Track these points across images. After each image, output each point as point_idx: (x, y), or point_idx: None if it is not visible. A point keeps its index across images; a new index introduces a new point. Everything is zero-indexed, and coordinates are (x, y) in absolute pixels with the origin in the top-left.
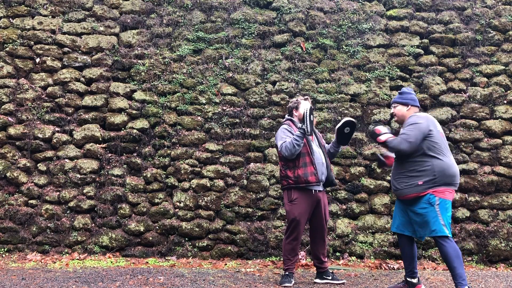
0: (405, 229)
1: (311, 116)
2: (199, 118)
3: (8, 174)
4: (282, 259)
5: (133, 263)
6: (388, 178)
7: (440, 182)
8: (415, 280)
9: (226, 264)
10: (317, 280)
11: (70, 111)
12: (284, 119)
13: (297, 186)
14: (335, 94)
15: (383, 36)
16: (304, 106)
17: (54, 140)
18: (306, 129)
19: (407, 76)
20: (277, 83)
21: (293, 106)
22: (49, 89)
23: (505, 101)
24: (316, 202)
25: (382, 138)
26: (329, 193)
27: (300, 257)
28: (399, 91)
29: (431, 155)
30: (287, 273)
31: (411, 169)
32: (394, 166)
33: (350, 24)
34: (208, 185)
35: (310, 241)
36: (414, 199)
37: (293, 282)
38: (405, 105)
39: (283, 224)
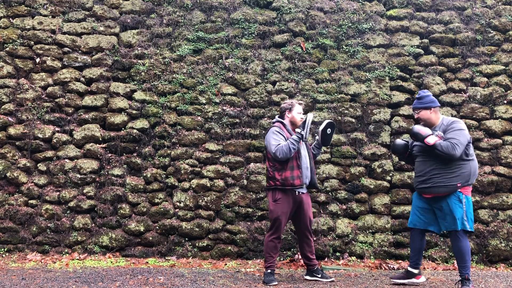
0: (420, 224)
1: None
2: (199, 118)
3: (8, 174)
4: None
5: (133, 263)
6: (388, 178)
7: (470, 182)
8: (416, 271)
9: (226, 264)
10: (307, 277)
11: (70, 111)
12: (274, 120)
13: (283, 188)
14: (335, 94)
15: (383, 36)
16: (301, 111)
17: (54, 140)
18: (304, 135)
19: (407, 76)
20: (277, 83)
21: (287, 108)
22: (49, 89)
23: (505, 101)
24: (299, 202)
25: (430, 141)
26: (329, 193)
27: (299, 257)
28: (416, 96)
29: (469, 159)
30: (269, 271)
31: (452, 171)
32: (427, 165)
33: (350, 24)
34: (208, 185)
35: (298, 241)
36: (443, 196)
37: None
38: (427, 108)
39: None
